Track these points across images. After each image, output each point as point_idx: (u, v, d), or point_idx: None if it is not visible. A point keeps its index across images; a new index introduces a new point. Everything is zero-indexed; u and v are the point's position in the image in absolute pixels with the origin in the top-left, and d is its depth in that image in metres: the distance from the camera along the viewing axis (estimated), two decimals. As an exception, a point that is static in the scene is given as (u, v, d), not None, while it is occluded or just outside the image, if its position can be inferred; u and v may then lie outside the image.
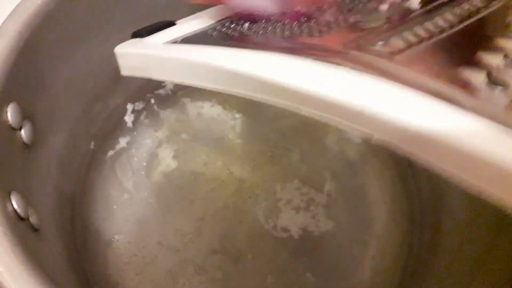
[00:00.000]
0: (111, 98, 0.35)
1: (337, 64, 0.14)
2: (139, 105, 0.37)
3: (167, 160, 0.35)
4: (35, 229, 0.23)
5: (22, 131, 0.25)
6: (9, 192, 0.22)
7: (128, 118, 0.36)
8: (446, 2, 0.19)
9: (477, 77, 0.14)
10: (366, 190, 0.34)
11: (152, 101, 0.37)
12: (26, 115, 0.25)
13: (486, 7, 0.20)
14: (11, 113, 0.23)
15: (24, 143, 0.25)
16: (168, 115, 0.37)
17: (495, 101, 0.13)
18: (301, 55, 0.14)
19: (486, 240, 0.25)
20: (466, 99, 0.12)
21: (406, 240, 0.33)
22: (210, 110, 0.37)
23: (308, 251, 0.32)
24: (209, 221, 0.33)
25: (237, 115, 0.36)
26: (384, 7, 0.18)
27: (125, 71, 0.19)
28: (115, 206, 0.33)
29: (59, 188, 0.30)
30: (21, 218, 0.22)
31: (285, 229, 0.33)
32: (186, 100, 0.37)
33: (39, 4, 0.26)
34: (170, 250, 0.32)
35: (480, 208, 0.26)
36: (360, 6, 0.18)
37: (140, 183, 0.34)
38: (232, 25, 0.19)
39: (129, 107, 0.37)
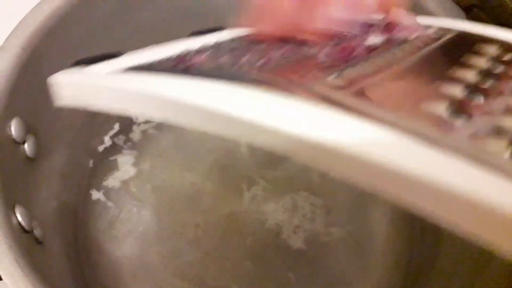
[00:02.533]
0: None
1: (291, 93, 0.14)
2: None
3: (168, 173, 0.35)
4: (39, 242, 0.24)
5: (26, 145, 0.25)
6: (14, 205, 0.22)
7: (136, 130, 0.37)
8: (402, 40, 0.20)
9: (438, 108, 0.14)
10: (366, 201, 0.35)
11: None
12: (29, 129, 0.26)
13: (439, 38, 0.20)
14: (14, 128, 0.24)
15: (27, 157, 0.26)
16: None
17: (458, 131, 0.13)
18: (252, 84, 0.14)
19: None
20: (427, 130, 0.12)
21: (408, 249, 0.34)
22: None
23: (309, 261, 0.32)
24: (209, 231, 0.33)
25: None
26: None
27: (61, 101, 0.18)
28: (118, 218, 0.34)
29: (61, 200, 0.30)
30: (26, 231, 0.22)
31: (287, 239, 0.33)
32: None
33: (41, 21, 0.26)
34: (173, 263, 0.32)
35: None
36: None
37: (143, 195, 0.34)
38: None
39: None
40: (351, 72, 0.16)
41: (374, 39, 0.20)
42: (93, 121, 0.34)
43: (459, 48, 0.20)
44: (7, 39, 0.25)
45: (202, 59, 0.18)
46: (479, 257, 0.26)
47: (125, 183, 0.35)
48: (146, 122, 0.37)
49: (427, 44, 0.20)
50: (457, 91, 0.15)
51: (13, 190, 0.23)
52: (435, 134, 0.12)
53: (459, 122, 0.13)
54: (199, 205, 0.34)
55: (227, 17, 0.27)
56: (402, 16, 0.21)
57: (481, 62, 0.18)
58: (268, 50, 0.19)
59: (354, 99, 0.14)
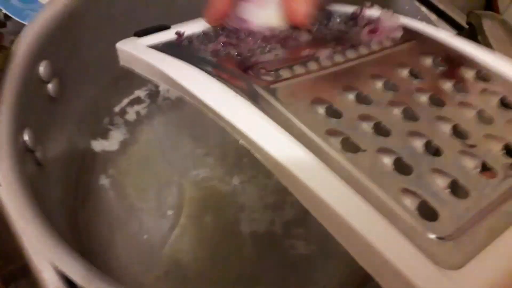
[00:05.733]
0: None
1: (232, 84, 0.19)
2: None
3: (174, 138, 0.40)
4: (38, 163, 0.28)
5: (50, 85, 0.30)
6: (24, 127, 0.27)
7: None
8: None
9: (319, 109, 0.18)
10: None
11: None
12: (56, 73, 0.31)
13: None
14: (43, 68, 0.29)
15: (50, 95, 0.31)
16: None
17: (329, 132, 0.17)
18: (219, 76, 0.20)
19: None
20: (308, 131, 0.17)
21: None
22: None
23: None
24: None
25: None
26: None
27: (121, 62, 0.25)
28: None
29: (73, 141, 0.35)
30: (29, 150, 0.27)
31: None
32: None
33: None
34: (164, 216, 0.36)
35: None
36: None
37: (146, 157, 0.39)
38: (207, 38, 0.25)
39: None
40: (284, 71, 0.20)
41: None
42: (117, 84, 0.39)
43: (399, 57, 0.23)
44: (55, -4, 0.30)
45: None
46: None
47: (130, 141, 0.39)
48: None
49: (381, 49, 0.23)
50: (349, 97, 0.19)
51: (28, 116, 0.28)
52: (312, 137, 0.17)
53: (333, 122, 0.17)
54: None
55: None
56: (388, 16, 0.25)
57: (403, 74, 0.21)
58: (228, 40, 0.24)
59: (269, 94, 0.19)
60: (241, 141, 0.18)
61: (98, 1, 0.33)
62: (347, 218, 0.14)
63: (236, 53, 0.22)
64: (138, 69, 0.24)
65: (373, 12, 0.26)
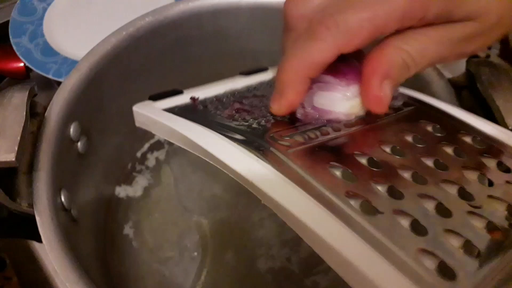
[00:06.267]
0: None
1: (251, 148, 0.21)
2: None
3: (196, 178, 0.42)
4: (74, 220, 0.30)
5: (79, 143, 0.32)
6: (60, 188, 0.29)
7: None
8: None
9: (336, 172, 0.20)
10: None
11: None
12: (83, 132, 0.33)
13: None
14: (73, 130, 0.31)
15: (79, 153, 0.33)
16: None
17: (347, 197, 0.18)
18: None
19: None
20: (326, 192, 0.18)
21: None
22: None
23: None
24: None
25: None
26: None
27: (137, 123, 0.26)
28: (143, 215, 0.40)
29: (99, 189, 0.37)
30: (65, 209, 0.29)
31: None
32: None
33: (108, 49, 0.34)
34: (190, 259, 0.38)
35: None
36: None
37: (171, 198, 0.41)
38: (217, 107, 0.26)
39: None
40: (299, 136, 0.22)
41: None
42: (137, 131, 0.41)
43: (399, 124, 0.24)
44: (80, 61, 0.33)
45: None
46: None
47: (155, 184, 0.41)
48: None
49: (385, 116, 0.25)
50: (362, 161, 0.21)
51: (63, 177, 0.30)
52: (332, 198, 0.18)
53: (350, 185, 0.19)
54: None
55: (264, 59, 0.33)
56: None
57: (408, 139, 0.22)
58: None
59: (287, 157, 0.20)
60: (264, 202, 0.19)
61: (118, 62, 0.35)
62: (374, 279, 0.15)
63: (250, 118, 0.24)
64: (156, 131, 0.25)
65: None
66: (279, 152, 0.20)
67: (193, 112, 0.25)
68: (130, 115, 0.39)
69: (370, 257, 0.16)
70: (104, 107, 0.36)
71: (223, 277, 0.37)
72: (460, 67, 0.30)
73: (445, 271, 0.16)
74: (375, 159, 0.20)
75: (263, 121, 0.24)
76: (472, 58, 0.28)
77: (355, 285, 0.16)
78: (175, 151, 0.43)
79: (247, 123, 0.24)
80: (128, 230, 0.39)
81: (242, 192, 0.40)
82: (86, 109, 0.33)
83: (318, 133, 0.22)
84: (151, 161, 0.42)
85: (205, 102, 0.26)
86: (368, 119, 0.24)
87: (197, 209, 0.40)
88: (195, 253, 0.38)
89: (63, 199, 0.29)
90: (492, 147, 0.23)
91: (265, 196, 0.19)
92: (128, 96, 0.36)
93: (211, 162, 0.21)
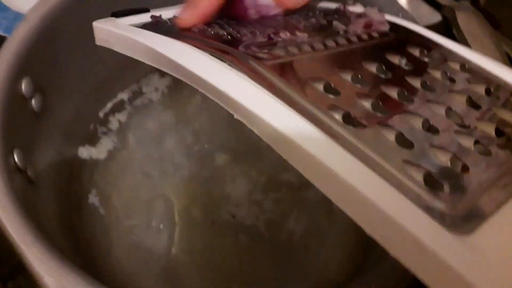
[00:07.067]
0: (119, 82, 0.40)
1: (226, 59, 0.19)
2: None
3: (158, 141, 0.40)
4: (31, 181, 0.28)
5: (33, 101, 0.30)
6: (13, 148, 0.27)
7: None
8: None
9: (319, 87, 0.18)
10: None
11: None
12: (38, 88, 0.30)
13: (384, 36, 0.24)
14: (25, 86, 0.29)
15: (34, 111, 0.31)
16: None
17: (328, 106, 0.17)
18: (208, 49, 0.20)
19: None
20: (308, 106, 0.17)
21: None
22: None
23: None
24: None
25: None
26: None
27: (97, 41, 0.24)
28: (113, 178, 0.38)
29: (60, 150, 0.35)
30: (20, 170, 0.27)
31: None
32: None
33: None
34: (159, 223, 0.37)
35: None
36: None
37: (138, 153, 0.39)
38: None
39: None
40: (279, 50, 0.20)
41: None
42: (99, 90, 0.39)
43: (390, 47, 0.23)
44: (29, 11, 0.30)
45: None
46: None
47: (120, 146, 0.39)
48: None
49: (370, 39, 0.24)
50: (345, 77, 0.20)
51: (15, 136, 0.28)
52: (314, 111, 0.17)
53: (332, 98, 0.18)
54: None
55: None
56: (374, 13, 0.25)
57: (395, 61, 0.21)
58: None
59: (268, 70, 0.19)
60: (236, 116, 0.17)
61: (73, 10, 0.32)
62: (359, 188, 0.14)
63: (225, 33, 0.22)
64: (118, 47, 0.23)
65: (356, 8, 0.26)
66: (254, 62, 0.19)
67: (159, 27, 0.23)
68: (90, 71, 0.37)
69: (354, 166, 0.15)
70: (60, 62, 0.33)
71: (195, 238, 0.36)
72: (436, 16, 0.30)
73: (432, 182, 0.15)
74: (359, 76, 0.19)
75: (238, 35, 0.22)
76: (447, 4, 0.27)
77: (337, 197, 0.15)
78: (138, 111, 0.41)
79: (218, 37, 0.22)
80: (93, 198, 0.37)
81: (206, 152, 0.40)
82: (39, 64, 0.30)
83: (300, 49, 0.21)
84: (114, 123, 0.40)
85: (173, 20, 0.24)
86: (353, 42, 0.23)
87: (161, 173, 0.39)
88: (165, 217, 0.37)
89: (16, 159, 0.27)
90: (480, 75, 0.22)
91: (241, 109, 0.17)
92: (86, 49, 0.33)
93: (180, 78, 0.19)
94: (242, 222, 0.37)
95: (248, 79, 0.18)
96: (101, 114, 0.40)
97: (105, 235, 0.36)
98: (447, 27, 0.27)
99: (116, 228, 0.36)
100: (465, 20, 0.25)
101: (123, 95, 0.41)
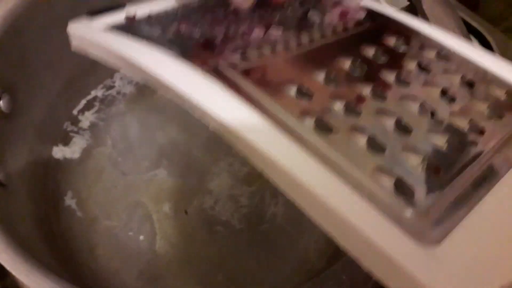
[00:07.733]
0: (90, 77, 0.40)
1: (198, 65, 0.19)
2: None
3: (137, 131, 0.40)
4: (2, 184, 0.28)
5: (1, 102, 0.29)
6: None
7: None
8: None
9: (290, 91, 0.18)
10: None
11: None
12: (5, 89, 0.30)
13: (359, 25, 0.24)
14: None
15: (3, 112, 0.30)
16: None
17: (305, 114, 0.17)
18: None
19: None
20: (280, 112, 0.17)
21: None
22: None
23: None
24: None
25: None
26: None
27: (73, 48, 0.23)
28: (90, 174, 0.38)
29: (34, 153, 0.35)
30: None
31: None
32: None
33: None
34: (139, 221, 0.36)
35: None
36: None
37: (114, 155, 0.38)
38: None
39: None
40: (252, 52, 0.20)
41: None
42: (72, 87, 0.38)
43: (365, 38, 0.23)
44: (-9, 8, 0.29)
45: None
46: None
47: (94, 145, 0.39)
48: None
49: (344, 30, 0.23)
50: (318, 78, 0.19)
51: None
52: (286, 118, 0.17)
53: (305, 103, 0.18)
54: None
55: None
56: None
57: (369, 54, 0.21)
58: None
59: (240, 76, 0.18)
60: (211, 127, 0.17)
61: (39, 6, 0.31)
62: (325, 198, 0.14)
63: (199, 34, 0.22)
64: (94, 54, 0.22)
65: None
66: (227, 68, 0.19)
67: (135, 28, 0.22)
68: (60, 67, 0.36)
69: (322, 175, 0.15)
70: (28, 60, 0.32)
71: (175, 233, 0.36)
72: (403, 1, 0.29)
73: (402, 188, 0.15)
74: (333, 76, 0.19)
75: (211, 36, 0.22)
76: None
77: (306, 207, 0.15)
78: (111, 106, 0.40)
79: (195, 39, 0.22)
80: (69, 200, 0.37)
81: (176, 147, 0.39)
82: (4, 63, 0.29)
83: (274, 49, 0.21)
84: (86, 121, 0.39)
85: (149, 18, 0.23)
86: (327, 37, 0.22)
87: (137, 170, 0.38)
88: (143, 215, 0.36)
89: (-15, 163, 0.26)
90: (456, 62, 0.22)
91: (212, 118, 0.17)
92: (55, 44, 0.32)
93: (155, 87, 0.19)
94: (221, 213, 0.37)
95: (222, 87, 0.17)
96: (75, 112, 0.39)
97: (85, 237, 0.35)
98: (414, 12, 0.26)
99: (95, 229, 0.36)
100: (430, 3, 0.24)
101: (97, 92, 0.40)
